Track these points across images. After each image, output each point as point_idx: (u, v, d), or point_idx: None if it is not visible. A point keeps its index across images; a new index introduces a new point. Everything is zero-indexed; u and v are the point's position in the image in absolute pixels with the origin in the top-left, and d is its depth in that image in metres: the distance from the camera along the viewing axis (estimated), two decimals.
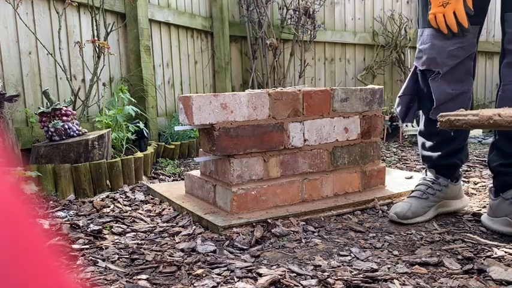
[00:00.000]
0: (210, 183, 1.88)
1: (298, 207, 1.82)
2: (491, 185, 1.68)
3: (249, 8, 4.08)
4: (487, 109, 1.09)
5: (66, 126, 2.27)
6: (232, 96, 1.72)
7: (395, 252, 1.41)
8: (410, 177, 2.32)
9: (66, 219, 1.82)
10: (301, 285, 1.18)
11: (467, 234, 1.55)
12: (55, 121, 2.24)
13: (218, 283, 1.20)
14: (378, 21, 4.91)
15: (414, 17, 5.09)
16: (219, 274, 1.26)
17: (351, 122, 2.00)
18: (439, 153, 1.75)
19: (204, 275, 1.25)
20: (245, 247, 1.48)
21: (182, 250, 1.47)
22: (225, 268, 1.30)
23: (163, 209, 1.98)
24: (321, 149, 1.94)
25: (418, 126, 1.89)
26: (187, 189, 2.11)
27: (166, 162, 3.05)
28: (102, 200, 2.11)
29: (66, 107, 2.32)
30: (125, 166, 2.35)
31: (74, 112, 2.38)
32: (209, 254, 1.42)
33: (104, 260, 1.39)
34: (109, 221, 1.79)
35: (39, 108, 2.33)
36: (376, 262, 1.33)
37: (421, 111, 1.82)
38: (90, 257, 1.41)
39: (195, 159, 1.95)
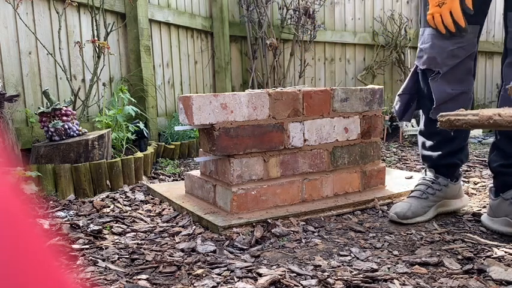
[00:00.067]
0: (210, 183, 1.88)
1: (298, 207, 1.82)
2: (492, 185, 1.68)
3: (249, 8, 4.08)
4: (487, 109, 1.09)
5: (66, 126, 2.27)
6: (232, 96, 1.72)
7: (395, 252, 1.41)
8: (410, 177, 2.32)
9: (66, 219, 1.82)
10: (301, 285, 1.18)
11: (467, 234, 1.55)
12: (55, 121, 2.24)
13: (218, 283, 1.20)
14: (378, 21, 4.91)
15: (414, 17, 5.10)
16: (219, 274, 1.26)
17: (351, 122, 2.00)
18: (439, 152, 1.75)
19: (204, 275, 1.25)
20: (245, 247, 1.48)
21: (182, 250, 1.47)
22: (225, 268, 1.30)
23: (163, 209, 1.98)
24: (321, 149, 1.94)
25: (418, 126, 1.89)
26: (187, 189, 2.11)
27: (166, 162, 3.05)
28: (102, 200, 2.11)
29: (66, 107, 2.32)
30: (125, 166, 2.35)
31: (74, 112, 2.38)
32: (209, 254, 1.42)
33: (104, 260, 1.39)
34: (109, 221, 1.79)
35: (39, 108, 2.33)
36: (376, 262, 1.33)
37: (421, 111, 1.82)
38: (90, 257, 1.41)
39: (195, 159, 1.95)
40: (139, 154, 2.55)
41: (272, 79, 4.30)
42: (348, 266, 1.31)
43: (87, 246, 1.51)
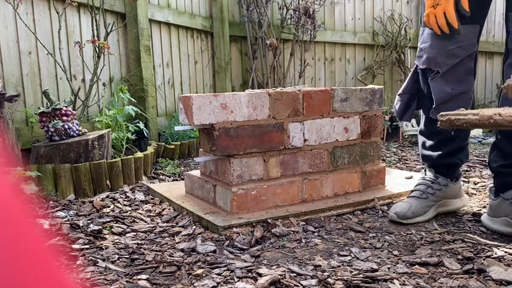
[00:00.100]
0: (210, 183, 1.88)
1: (298, 207, 1.82)
2: (492, 185, 1.67)
3: (249, 8, 4.08)
4: (488, 109, 1.09)
5: (66, 126, 2.27)
6: (232, 96, 1.72)
7: (395, 252, 1.41)
8: (410, 177, 2.32)
9: (66, 219, 1.82)
10: (301, 285, 1.18)
11: (467, 234, 1.55)
12: (55, 121, 2.24)
13: (218, 283, 1.20)
14: (378, 21, 4.91)
15: (414, 17, 5.10)
16: (219, 274, 1.26)
17: (351, 122, 2.00)
18: (439, 152, 1.75)
19: (204, 275, 1.25)
20: (245, 247, 1.48)
21: (182, 250, 1.47)
22: (225, 268, 1.30)
23: (163, 209, 1.98)
24: (321, 149, 1.94)
25: (418, 126, 1.89)
26: (187, 189, 2.11)
27: (166, 162, 3.05)
28: (102, 200, 2.11)
29: (66, 107, 2.32)
30: (125, 166, 2.35)
31: (74, 112, 2.38)
32: (209, 254, 1.42)
33: (104, 260, 1.39)
34: (109, 221, 1.79)
35: (39, 108, 2.34)
36: (376, 262, 1.33)
37: (421, 111, 1.82)
38: (90, 257, 1.40)
39: (195, 159, 1.95)
40: (139, 154, 2.55)
41: (272, 79, 4.30)
42: (348, 266, 1.31)
43: (87, 246, 1.51)
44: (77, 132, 2.32)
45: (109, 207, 2.00)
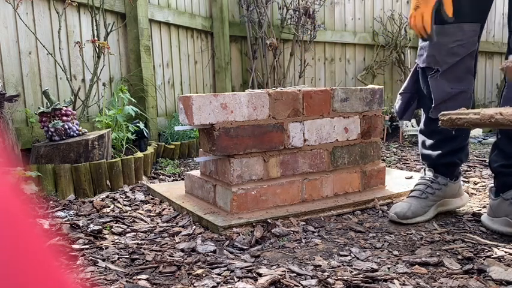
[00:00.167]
0: (210, 183, 1.88)
1: (298, 207, 1.82)
2: (492, 185, 1.67)
3: (249, 8, 4.08)
4: (489, 108, 1.09)
5: (66, 126, 2.27)
6: (232, 96, 1.72)
7: (395, 252, 1.41)
8: (410, 177, 2.32)
9: (66, 219, 1.82)
10: (301, 285, 1.18)
11: (467, 234, 1.55)
12: (55, 121, 2.24)
13: (218, 283, 1.20)
14: (378, 21, 4.91)
15: None
16: (219, 274, 1.26)
17: (351, 122, 2.00)
18: (439, 151, 1.75)
19: (204, 275, 1.25)
20: (245, 247, 1.48)
21: (182, 250, 1.47)
22: (225, 268, 1.30)
23: (163, 209, 1.98)
24: (321, 149, 1.94)
25: (418, 126, 1.89)
26: (187, 189, 2.11)
27: (166, 162, 3.05)
28: (102, 200, 2.11)
29: (66, 107, 2.32)
30: (125, 166, 2.35)
31: (74, 112, 2.38)
32: (209, 254, 1.42)
33: (104, 260, 1.39)
34: (109, 221, 1.79)
35: (39, 108, 2.34)
36: (376, 262, 1.33)
37: (421, 110, 1.81)
38: (90, 257, 1.41)
39: (195, 159, 1.95)
40: (139, 154, 2.55)
41: (272, 79, 4.30)
42: (348, 266, 1.31)
43: (87, 246, 1.51)
44: (77, 132, 2.32)
45: (109, 207, 2.00)
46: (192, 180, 2.06)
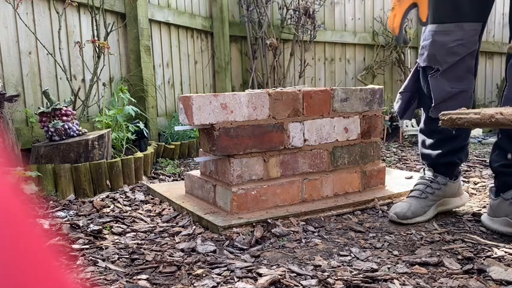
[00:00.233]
0: (210, 183, 1.88)
1: (298, 207, 1.82)
2: (492, 184, 1.67)
3: (249, 8, 4.08)
4: (489, 108, 1.09)
5: (66, 126, 2.27)
6: (232, 96, 1.72)
7: (395, 252, 1.41)
8: (410, 177, 2.32)
9: (66, 219, 1.82)
10: (301, 285, 1.18)
11: (467, 234, 1.55)
12: (55, 121, 2.24)
13: (218, 283, 1.20)
14: (377, 21, 4.91)
15: (414, 17, 5.09)
16: (219, 274, 1.26)
17: (351, 122, 2.00)
18: (439, 151, 1.74)
19: (204, 275, 1.25)
20: (245, 247, 1.48)
21: (182, 250, 1.47)
22: (225, 268, 1.30)
23: (163, 209, 1.98)
24: (321, 149, 1.94)
25: (418, 126, 1.89)
26: (187, 189, 2.11)
27: (166, 162, 3.05)
28: (102, 200, 2.11)
29: (66, 107, 2.32)
30: (125, 166, 2.35)
31: (74, 112, 2.38)
32: (209, 254, 1.42)
33: (104, 260, 1.39)
34: (109, 221, 1.79)
35: (39, 108, 2.34)
36: (376, 262, 1.33)
37: (422, 109, 1.81)
38: (90, 257, 1.41)
39: (195, 159, 1.95)
40: (139, 154, 2.55)
41: (272, 79, 4.30)
42: (348, 266, 1.31)
43: (87, 246, 1.51)
44: (77, 132, 2.32)
45: (109, 207, 2.00)
46: (192, 180, 2.06)
